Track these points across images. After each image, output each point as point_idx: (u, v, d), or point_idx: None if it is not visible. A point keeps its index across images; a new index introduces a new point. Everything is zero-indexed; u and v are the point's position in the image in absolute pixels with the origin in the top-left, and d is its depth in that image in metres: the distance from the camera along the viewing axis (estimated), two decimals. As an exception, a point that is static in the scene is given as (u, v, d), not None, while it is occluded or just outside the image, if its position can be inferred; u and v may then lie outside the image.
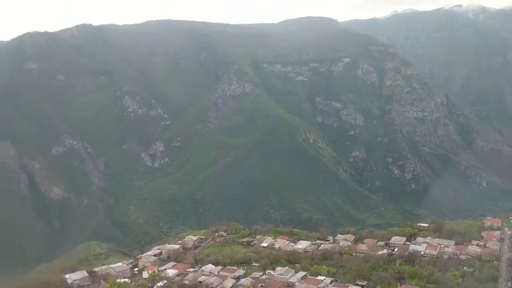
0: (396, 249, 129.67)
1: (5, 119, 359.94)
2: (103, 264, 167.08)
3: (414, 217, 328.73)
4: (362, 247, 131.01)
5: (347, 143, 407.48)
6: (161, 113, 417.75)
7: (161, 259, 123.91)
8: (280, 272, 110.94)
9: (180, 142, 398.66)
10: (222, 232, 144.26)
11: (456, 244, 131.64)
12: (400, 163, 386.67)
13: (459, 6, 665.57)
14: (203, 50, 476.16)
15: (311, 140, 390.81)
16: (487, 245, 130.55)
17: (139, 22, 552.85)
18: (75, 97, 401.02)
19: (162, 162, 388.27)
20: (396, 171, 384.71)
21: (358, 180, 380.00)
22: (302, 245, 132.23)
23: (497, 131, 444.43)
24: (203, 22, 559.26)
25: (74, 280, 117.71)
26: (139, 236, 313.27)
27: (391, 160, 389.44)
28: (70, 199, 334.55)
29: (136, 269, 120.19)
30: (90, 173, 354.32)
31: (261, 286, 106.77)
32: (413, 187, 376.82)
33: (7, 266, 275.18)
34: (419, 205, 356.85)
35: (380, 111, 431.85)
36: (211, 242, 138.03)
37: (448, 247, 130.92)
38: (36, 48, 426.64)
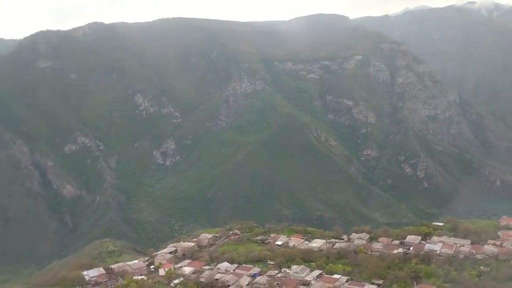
0: (411, 248, 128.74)
1: (18, 117, 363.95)
2: (116, 262, 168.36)
3: (427, 216, 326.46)
4: (377, 246, 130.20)
5: (359, 141, 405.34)
6: (173, 111, 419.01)
7: (177, 257, 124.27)
8: (295, 270, 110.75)
9: (191, 140, 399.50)
10: (236, 230, 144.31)
11: (472, 243, 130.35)
12: (413, 161, 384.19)
13: (472, 3, 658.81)
14: (214, 48, 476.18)
15: (322, 138, 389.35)
16: (503, 245, 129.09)
17: (150, 20, 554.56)
18: (87, 95, 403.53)
19: (173, 160, 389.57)
20: (408, 170, 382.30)
21: (370, 179, 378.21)
22: (317, 243, 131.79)
23: (511, 130, 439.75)
24: (214, 19, 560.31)
25: (92, 277, 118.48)
26: (151, 233, 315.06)
27: (403, 158, 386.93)
28: (82, 197, 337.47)
29: (152, 266, 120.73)
30: (103, 170, 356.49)
31: (277, 284, 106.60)
32: (426, 185, 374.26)
33: (20, 262, 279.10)
34: (432, 204, 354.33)
35: (392, 109, 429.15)
36: (226, 240, 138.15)
37: (464, 246, 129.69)
38: (49, 47, 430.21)
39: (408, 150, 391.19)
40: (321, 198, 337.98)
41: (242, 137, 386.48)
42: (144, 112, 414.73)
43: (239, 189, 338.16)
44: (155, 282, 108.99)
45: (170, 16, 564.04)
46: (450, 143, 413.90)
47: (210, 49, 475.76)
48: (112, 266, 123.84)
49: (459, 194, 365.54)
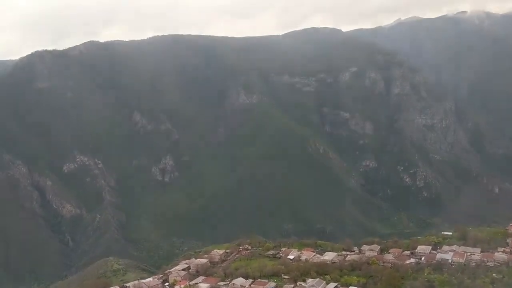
0: (423, 258, 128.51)
1: (16, 137, 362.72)
2: (121, 280, 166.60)
3: (428, 225, 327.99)
4: (388, 257, 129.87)
5: (357, 152, 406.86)
6: (170, 127, 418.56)
7: (190, 273, 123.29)
8: (311, 283, 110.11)
9: (189, 155, 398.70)
10: (247, 246, 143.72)
11: (482, 251, 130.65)
12: (411, 171, 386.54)
13: (464, 12, 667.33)
14: (210, 63, 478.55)
15: (321, 150, 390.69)
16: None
17: (145, 38, 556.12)
18: (84, 113, 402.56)
19: (172, 176, 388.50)
20: (407, 180, 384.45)
21: (369, 190, 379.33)
22: (329, 256, 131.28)
23: (507, 137, 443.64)
24: (209, 36, 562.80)
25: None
26: (152, 251, 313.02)
27: (402, 168, 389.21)
28: (82, 216, 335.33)
29: (167, 283, 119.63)
30: (102, 189, 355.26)
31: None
32: (425, 195, 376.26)
33: (22, 284, 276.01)
34: (432, 213, 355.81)
35: (389, 119, 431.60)
36: (237, 255, 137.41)
37: (474, 254, 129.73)
38: (45, 67, 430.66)
39: (406, 160, 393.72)
40: (321, 210, 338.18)
41: (240, 151, 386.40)
42: (141, 129, 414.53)
43: (239, 204, 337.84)
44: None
45: (165, 34, 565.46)
46: (447, 152, 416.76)
47: (206, 64, 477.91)
48: (127, 285, 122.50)
49: (459, 202, 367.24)
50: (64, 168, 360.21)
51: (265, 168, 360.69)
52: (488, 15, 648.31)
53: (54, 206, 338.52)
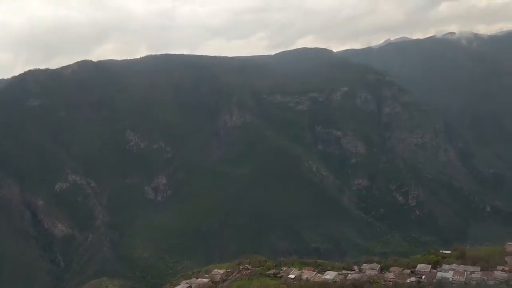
0: (423, 277, 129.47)
1: (8, 156, 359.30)
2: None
3: (421, 244, 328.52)
4: (389, 275, 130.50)
5: (350, 171, 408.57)
6: (163, 145, 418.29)
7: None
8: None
9: (183, 174, 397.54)
10: (247, 265, 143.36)
11: (481, 270, 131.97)
12: (403, 190, 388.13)
13: (452, 34, 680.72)
14: (203, 82, 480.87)
15: (314, 168, 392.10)
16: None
17: (138, 57, 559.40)
18: (77, 132, 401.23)
19: (165, 195, 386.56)
20: (399, 198, 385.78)
21: (362, 208, 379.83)
22: (330, 275, 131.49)
23: (497, 156, 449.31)
24: (202, 55, 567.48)
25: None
26: (146, 270, 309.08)
27: (394, 187, 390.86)
28: (74, 235, 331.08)
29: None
30: (94, 208, 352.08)
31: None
32: (418, 213, 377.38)
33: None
34: (425, 232, 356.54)
35: (380, 138, 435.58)
36: (238, 275, 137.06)
37: (474, 273, 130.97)
38: (38, 85, 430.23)
39: (398, 178, 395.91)
40: (315, 229, 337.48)
41: (234, 170, 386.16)
42: (134, 147, 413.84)
43: (233, 222, 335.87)
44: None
45: (158, 53, 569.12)
46: (439, 170, 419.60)
47: (199, 84, 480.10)
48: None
49: (451, 221, 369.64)
50: (56, 187, 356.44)
51: (258, 186, 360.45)
52: (476, 36, 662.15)
53: (46, 226, 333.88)
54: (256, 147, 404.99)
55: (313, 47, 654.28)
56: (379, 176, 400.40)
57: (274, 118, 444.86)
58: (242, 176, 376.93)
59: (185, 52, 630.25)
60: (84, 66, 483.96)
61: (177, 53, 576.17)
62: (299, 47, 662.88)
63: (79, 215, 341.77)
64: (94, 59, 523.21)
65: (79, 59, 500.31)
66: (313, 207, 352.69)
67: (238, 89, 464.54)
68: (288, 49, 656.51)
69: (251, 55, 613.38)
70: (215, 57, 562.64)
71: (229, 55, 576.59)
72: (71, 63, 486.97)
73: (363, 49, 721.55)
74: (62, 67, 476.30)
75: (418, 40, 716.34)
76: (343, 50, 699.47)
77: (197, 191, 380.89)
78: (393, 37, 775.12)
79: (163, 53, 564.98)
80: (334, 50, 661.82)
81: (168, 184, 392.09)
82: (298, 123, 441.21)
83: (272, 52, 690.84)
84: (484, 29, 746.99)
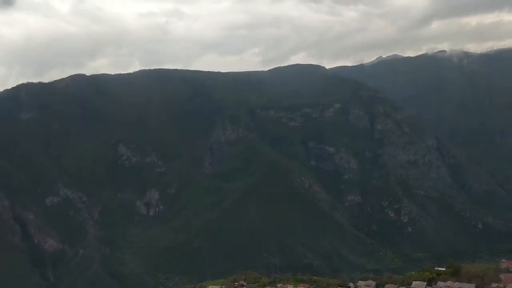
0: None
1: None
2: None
3: (413, 261, 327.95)
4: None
5: (342, 186, 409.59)
6: (156, 160, 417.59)
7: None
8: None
9: (175, 189, 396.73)
10: (242, 281, 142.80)
11: (476, 287, 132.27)
12: (396, 206, 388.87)
13: (443, 52, 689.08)
14: (197, 97, 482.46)
15: (306, 184, 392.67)
16: (506, 287, 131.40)
17: (131, 71, 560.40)
18: (69, 145, 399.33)
19: (157, 210, 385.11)
20: (392, 215, 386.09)
21: (355, 224, 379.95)
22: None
23: (488, 173, 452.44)
24: (196, 70, 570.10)
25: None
26: (137, 286, 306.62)
27: (386, 203, 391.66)
28: (65, 250, 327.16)
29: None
30: (85, 222, 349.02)
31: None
32: (410, 230, 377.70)
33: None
34: (417, 249, 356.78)
35: (373, 154, 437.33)
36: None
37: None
38: (31, 98, 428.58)
39: (391, 195, 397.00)
40: (308, 244, 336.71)
41: (227, 185, 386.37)
42: (127, 161, 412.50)
43: (225, 238, 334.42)
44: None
45: (152, 68, 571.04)
46: (431, 187, 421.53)
47: (192, 98, 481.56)
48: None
49: (443, 237, 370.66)
50: (47, 201, 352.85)
51: (251, 202, 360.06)
52: (467, 54, 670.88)
53: (36, 240, 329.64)
54: (249, 162, 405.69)
55: (306, 63, 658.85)
56: (372, 192, 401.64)
57: (268, 134, 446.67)
58: (235, 191, 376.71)
59: (179, 67, 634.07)
60: (78, 80, 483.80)
61: (170, 67, 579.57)
62: (292, 63, 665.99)
63: (70, 230, 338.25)
64: (88, 73, 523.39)
65: (72, 73, 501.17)
66: (306, 223, 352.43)
67: (231, 104, 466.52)
68: (281, 65, 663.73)
69: (244, 70, 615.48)
70: (208, 72, 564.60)
71: (223, 70, 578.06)
72: (64, 76, 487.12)
73: (356, 66, 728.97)
74: (55, 81, 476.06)
75: (409, 57, 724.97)
76: (336, 67, 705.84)
77: (189, 206, 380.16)
78: (385, 55, 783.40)
79: (157, 67, 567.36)
80: (327, 67, 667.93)
81: (161, 199, 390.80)
82: (291, 139, 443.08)
83: (266, 68, 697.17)
84: (475, 47, 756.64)
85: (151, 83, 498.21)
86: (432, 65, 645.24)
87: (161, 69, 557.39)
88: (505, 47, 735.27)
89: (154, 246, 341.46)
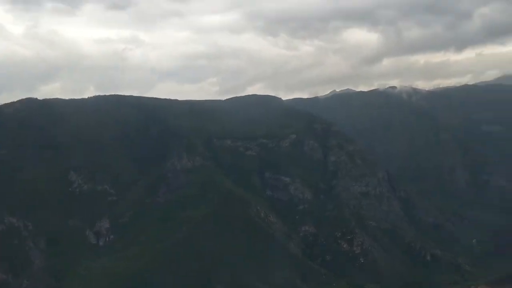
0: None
1: None
2: None
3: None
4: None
5: (297, 217, 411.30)
6: (108, 188, 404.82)
7: None
8: None
9: (128, 217, 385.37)
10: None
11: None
12: (349, 237, 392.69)
13: (393, 88, 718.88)
14: (153, 124, 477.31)
15: (262, 214, 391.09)
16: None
17: (86, 97, 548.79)
18: (18, 172, 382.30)
19: (107, 239, 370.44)
20: (345, 246, 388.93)
21: (309, 255, 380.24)
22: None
23: (437, 207, 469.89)
24: (152, 97, 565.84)
25: None
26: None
27: (339, 234, 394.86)
28: (8, 281, 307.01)
29: None
30: (31, 252, 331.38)
31: None
32: (362, 261, 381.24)
33: None
34: (369, 279, 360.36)
35: (327, 186, 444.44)
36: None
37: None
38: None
39: (344, 226, 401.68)
40: (262, 276, 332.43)
41: (181, 214, 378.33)
42: (77, 189, 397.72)
43: (179, 268, 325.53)
44: None
45: (107, 93, 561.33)
46: (382, 219, 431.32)
47: (148, 125, 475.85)
48: None
49: (394, 268, 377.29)
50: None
51: (206, 232, 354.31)
52: (415, 91, 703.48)
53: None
54: (205, 191, 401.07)
55: (263, 94, 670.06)
56: (326, 223, 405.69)
57: (224, 163, 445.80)
58: (189, 220, 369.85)
59: (135, 94, 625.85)
60: (28, 104, 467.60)
61: (127, 94, 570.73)
62: (250, 93, 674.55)
63: (14, 260, 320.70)
64: (40, 97, 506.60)
65: (23, 97, 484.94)
66: (261, 254, 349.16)
67: (188, 132, 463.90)
68: (238, 95, 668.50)
69: (202, 99, 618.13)
70: (165, 99, 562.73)
71: (180, 98, 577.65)
72: (14, 100, 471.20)
73: (311, 98, 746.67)
74: (4, 104, 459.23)
75: (362, 92, 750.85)
76: (292, 99, 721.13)
77: (142, 236, 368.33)
78: (338, 89, 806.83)
79: (113, 93, 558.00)
80: (283, 98, 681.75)
81: (112, 228, 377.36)
82: (248, 169, 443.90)
83: (223, 97, 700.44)
84: (423, 85, 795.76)
85: (105, 109, 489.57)
86: (383, 100, 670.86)
87: (117, 95, 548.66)
88: (451, 85, 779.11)
89: (104, 277, 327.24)
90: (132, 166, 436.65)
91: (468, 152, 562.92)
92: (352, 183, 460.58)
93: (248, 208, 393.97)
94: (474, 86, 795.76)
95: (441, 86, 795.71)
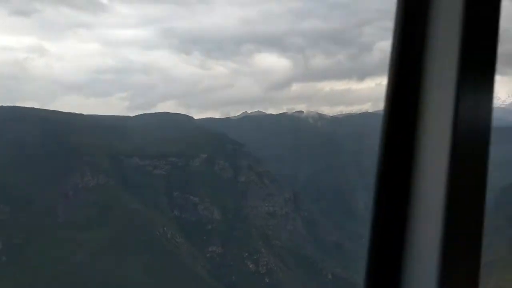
0: None
1: None
2: None
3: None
4: None
5: (205, 237, 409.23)
6: (1, 207, 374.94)
7: None
8: None
9: (22, 238, 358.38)
10: None
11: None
12: (255, 257, 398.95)
13: (300, 112, 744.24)
14: (53, 140, 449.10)
15: (169, 235, 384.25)
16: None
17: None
18: None
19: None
20: (251, 266, 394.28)
21: (215, 276, 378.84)
22: None
23: (337, 226, 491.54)
24: (54, 110, 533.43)
25: None
26: None
27: (246, 254, 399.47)
28: None
29: None
30: None
31: None
32: (267, 281, 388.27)
33: None
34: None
35: (236, 205, 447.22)
36: None
37: None
38: None
39: (251, 246, 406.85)
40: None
41: (82, 235, 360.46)
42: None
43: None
44: None
45: (4, 105, 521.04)
46: (287, 238, 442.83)
47: (48, 141, 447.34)
48: None
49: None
50: None
51: (109, 253, 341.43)
52: (321, 116, 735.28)
53: None
54: (109, 211, 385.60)
55: (174, 112, 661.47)
56: (233, 243, 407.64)
57: (130, 181, 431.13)
58: (91, 241, 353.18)
59: (36, 106, 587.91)
60: None
61: (26, 106, 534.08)
62: (160, 111, 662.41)
63: None
64: None
65: None
66: (166, 276, 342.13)
67: (92, 149, 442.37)
68: (148, 112, 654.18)
69: (109, 114, 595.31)
70: (69, 113, 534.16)
71: (86, 113, 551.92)
72: None
73: (222, 119, 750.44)
74: None
75: (271, 114, 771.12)
76: (204, 118, 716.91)
77: (37, 258, 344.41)
78: (249, 110, 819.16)
79: (10, 104, 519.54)
80: (195, 117, 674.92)
81: (3, 250, 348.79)
82: (155, 188, 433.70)
83: (132, 114, 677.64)
84: (328, 110, 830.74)
85: (1, 121, 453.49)
86: (291, 124, 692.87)
87: (15, 106, 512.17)
88: (352, 112, 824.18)
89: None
90: (28, 184, 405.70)
91: (366, 174, 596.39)
92: (260, 203, 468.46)
93: (153, 228, 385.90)
94: (373, 114, 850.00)
95: (343, 112, 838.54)
